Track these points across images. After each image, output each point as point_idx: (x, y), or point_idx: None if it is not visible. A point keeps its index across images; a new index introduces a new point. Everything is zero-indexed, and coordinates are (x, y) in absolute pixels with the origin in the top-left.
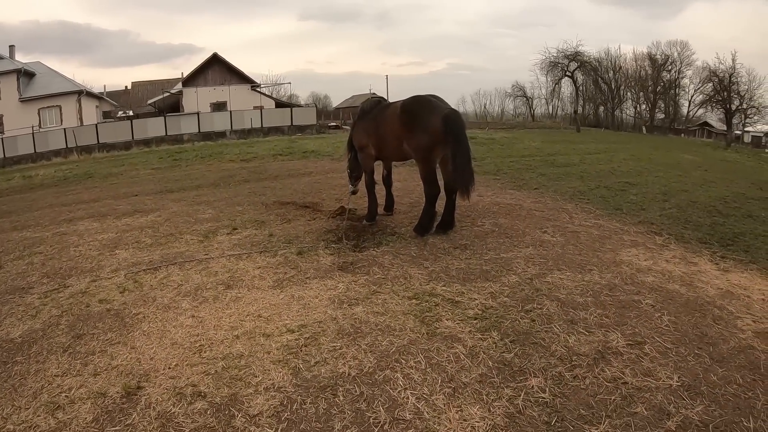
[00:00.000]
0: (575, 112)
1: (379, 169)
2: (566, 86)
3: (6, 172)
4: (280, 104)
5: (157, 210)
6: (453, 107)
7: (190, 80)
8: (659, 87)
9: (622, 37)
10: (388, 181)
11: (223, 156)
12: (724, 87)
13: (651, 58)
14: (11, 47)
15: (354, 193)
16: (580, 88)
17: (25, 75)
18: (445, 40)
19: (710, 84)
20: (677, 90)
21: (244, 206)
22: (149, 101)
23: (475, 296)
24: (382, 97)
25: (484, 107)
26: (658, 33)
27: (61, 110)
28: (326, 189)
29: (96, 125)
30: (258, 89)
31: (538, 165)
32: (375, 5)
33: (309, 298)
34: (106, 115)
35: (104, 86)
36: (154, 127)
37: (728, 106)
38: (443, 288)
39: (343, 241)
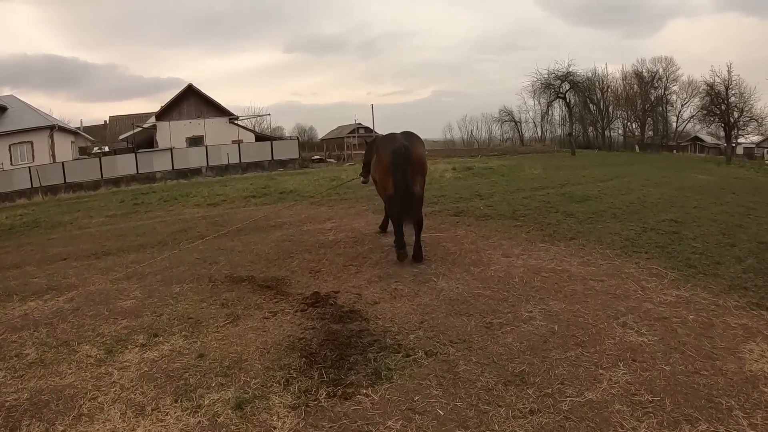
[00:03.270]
0: (570, 134)
1: None
2: (554, 108)
3: None
4: (260, 137)
5: (74, 288)
6: (405, 143)
7: (165, 113)
8: (648, 105)
9: (601, 57)
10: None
11: (189, 199)
12: (721, 99)
13: (638, 75)
14: None
15: (364, 182)
16: (574, 108)
17: None
18: (429, 68)
19: (698, 98)
20: (665, 106)
21: (183, 284)
22: (121, 136)
23: None
24: (393, 135)
25: (471, 133)
26: (637, 51)
27: (32, 146)
28: (299, 252)
29: (63, 164)
30: (236, 122)
31: (556, 201)
32: (359, 35)
33: None
34: (82, 151)
35: (81, 121)
36: (124, 165)
37: (727, 118)
38: None
39: (315, 373)
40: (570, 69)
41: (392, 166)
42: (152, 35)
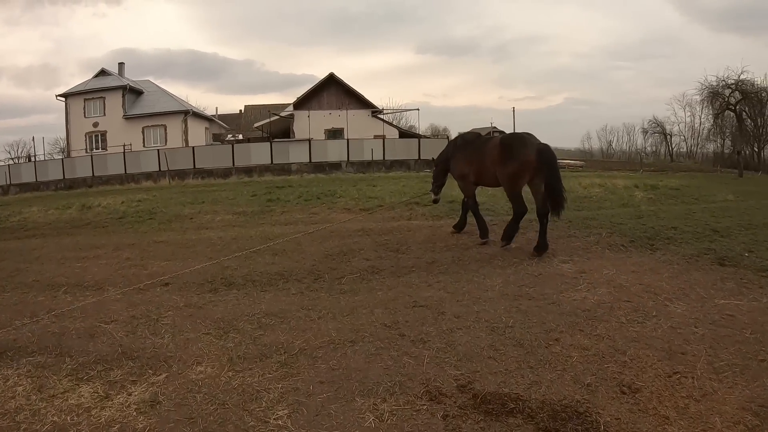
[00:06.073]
0: (738, 153)
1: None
2: (708, 122)
3: (74, 196)
4: (404, 134)
5: (167, 365)
6: (543, 143)
7: (303, 103)
8: None
9: (745, 67)
10: (465, 205)
11: (336, 200)
12: None
13: None
14: (120, 64)
15: (435, 201)
16: (746, 122)
17: (132, 92)
18: (561, 74)
19: None
20: None
21: (377, 399)
22: (256, 124)
23: None
24: (479, 133)
25: (610, 144)
26: None
27: (166, 130)
28: (563, 329)
29: (193, 148)
30: (380, 116)
31: None
32: (492, 38)
33: None
34: (216, 137)
35: (216, 108)
36: (258, 154)
37: None
38: None
39: None
40: (742, 77)
41: (542, 165)
42: (288, 33)
